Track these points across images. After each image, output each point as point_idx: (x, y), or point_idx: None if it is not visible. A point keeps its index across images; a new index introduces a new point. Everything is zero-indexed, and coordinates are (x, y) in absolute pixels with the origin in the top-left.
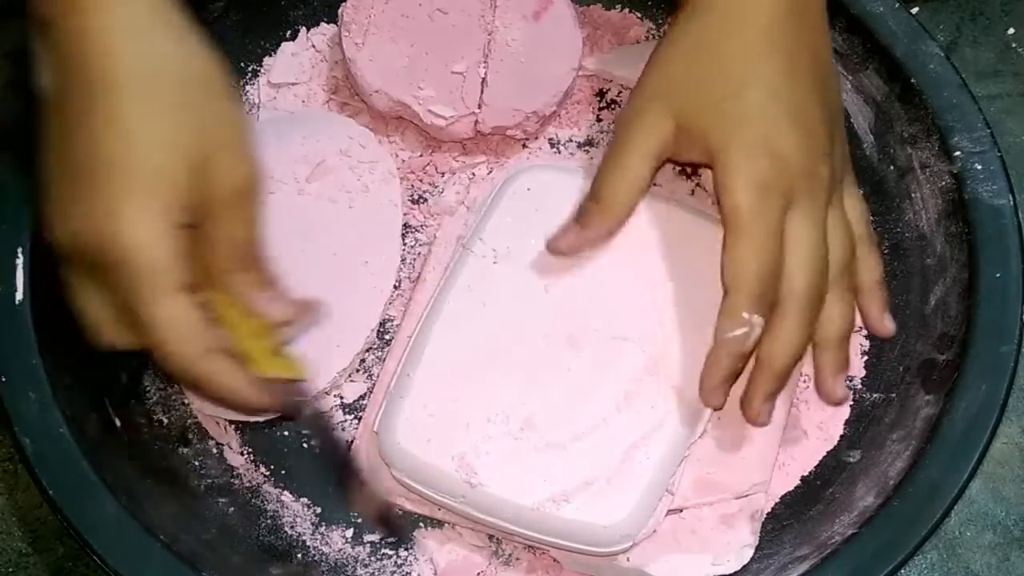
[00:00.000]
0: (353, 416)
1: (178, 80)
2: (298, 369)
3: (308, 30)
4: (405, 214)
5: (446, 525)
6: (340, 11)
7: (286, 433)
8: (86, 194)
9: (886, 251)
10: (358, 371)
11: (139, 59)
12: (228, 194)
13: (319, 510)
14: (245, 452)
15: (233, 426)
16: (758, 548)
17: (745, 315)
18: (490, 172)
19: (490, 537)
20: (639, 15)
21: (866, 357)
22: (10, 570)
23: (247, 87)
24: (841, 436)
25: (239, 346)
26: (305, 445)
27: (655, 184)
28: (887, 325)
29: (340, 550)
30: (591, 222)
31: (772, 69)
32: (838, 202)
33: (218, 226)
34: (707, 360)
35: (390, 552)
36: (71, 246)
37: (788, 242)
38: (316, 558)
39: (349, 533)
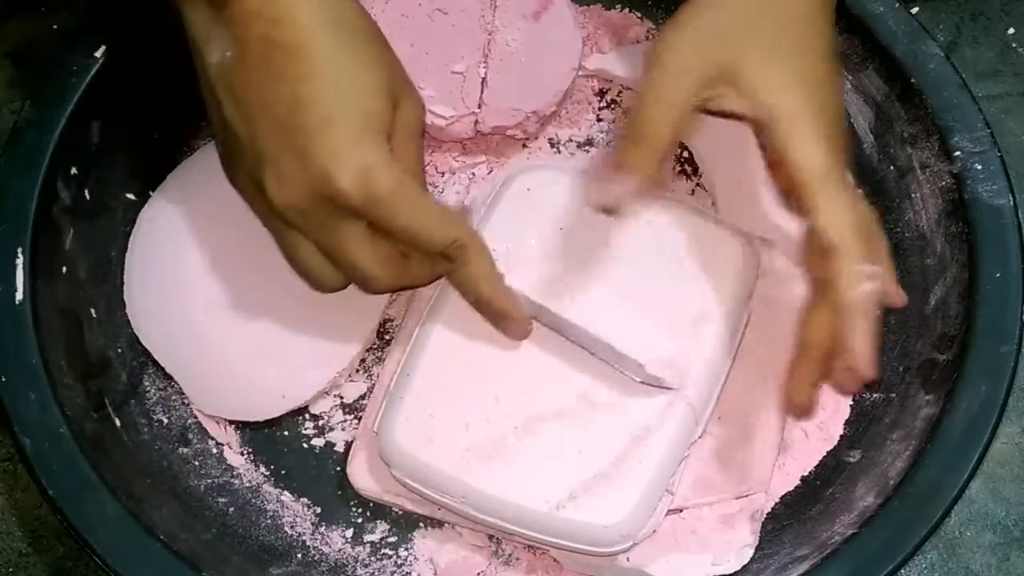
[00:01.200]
0: (353, 416)
1: (361, 32)
2: None
3: None
4: None
5: (446, 525)
6: None
7: (286, 433)
8: (306, 147)
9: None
10: (358, 371)
11: (325, 16)
12: (409, 130)
13: (319, 510)
14: (245, 452)
15: (233, 426)
16: (758, 548)
17: (865, 267)
18: (490, 172)
19: (490, 537)
20: (639, 15)
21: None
22: (10, 570)
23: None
24: (841, 436)
25: None
26: (305, 445)
27: None
28: (902, 294)
29: (340, 550)
30: (631, 161)
31: (820, 33)
32: None
33: (397, 157)
34: (845, 328)
35: (390, 552)
36: (299, 202)
37: None
38: (316, 558)
39: (349, 533)
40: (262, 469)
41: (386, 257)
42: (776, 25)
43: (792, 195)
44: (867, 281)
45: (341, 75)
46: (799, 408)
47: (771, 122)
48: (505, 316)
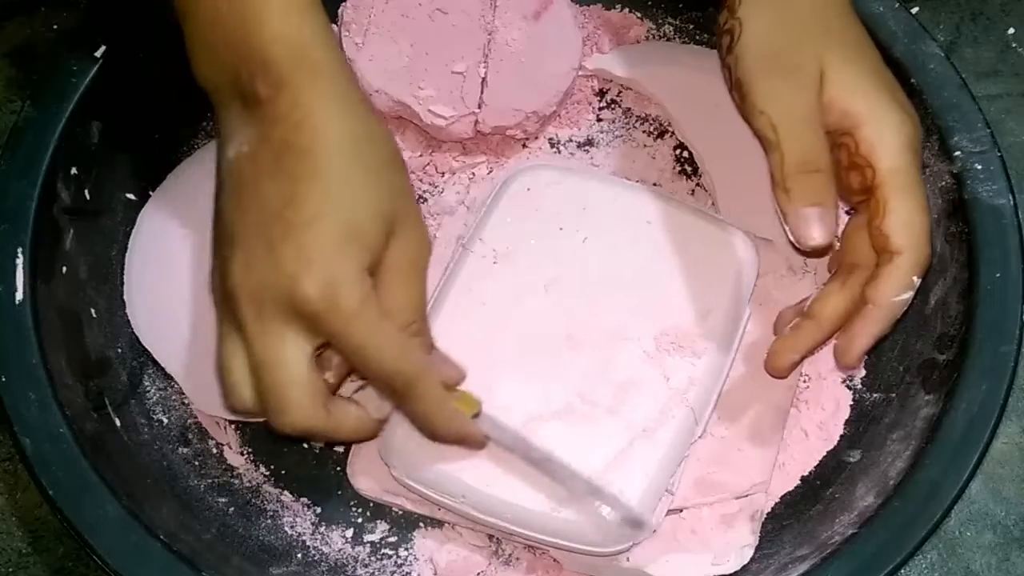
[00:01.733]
0: None
1: (375, 152)
2: (475, 403)
3: None
4: None
5: (446, 525)
6: (340, 11)
7: None
8: (283, 242)
9: None
10: None
11: (346, 130)
12: (409, 262)
13: (319, 510)
14: (245, 452)
15: (233, 426)
16: (758, 548)
17: (915, 279)
18: (490, 172)
19: (490, 537)
20: (639, 15)
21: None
22: (10, 570)
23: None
24: (841, 436)
25: None
26: (305, 445)
27: (655, 184)
28: None
29: (340, 550)
30: (811, 194)
31: (859, 23)
32: None
33: (393, 293)
34: (865, 321)
35: (390, 552)
36: (256, 292)
37: None
38: (316, 558)
39: (349, 533)
40: (262, 469)
41: (316, 391)
42: (839, 21)
43: (864, 197)
44: (910, 291)
45: (343, 187)
46: (776, 370)
47: (855, 128)
48: (460, 442)
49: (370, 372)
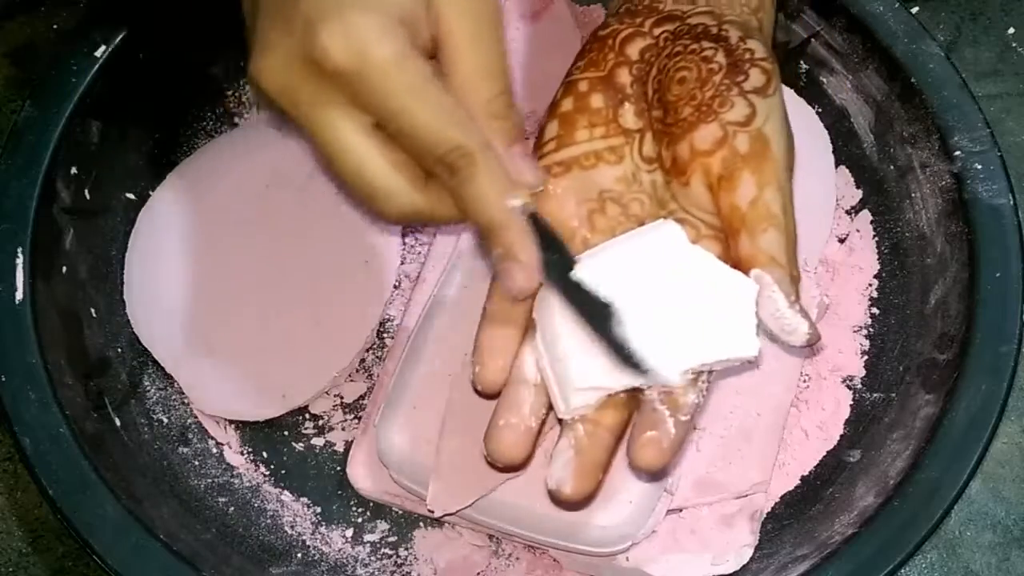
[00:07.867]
0: (353, 416)
1: None
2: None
3: None
4: None
5: (446, 525)
6: None
7: (286, 433)
8: (295, 9)
9: (886, 251)
10: (358, 371)
11: None
12: (471, 21)
13: (319, 510)
14: (245, 452)
15: (233, 426)
16: (758, 548)
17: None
18: None
19: (490, 537)
20: None
21: (866, 357)
22: (10, 570)
23: (248, 86)
24: (841, 436)
25: None
26: (305, 445)
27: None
28: None
29: (340, 550)
30: None
31: None
32: None
33: (461, 61)
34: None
35: (390, 552)
36: (281, 72)
37: None
38: (316, 558)
39: (349, 533)
40: (262, 469)
41: (397, 167)
42: None
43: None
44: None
45: None
46: None
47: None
48: (508, 256)
49: (417, 143)
